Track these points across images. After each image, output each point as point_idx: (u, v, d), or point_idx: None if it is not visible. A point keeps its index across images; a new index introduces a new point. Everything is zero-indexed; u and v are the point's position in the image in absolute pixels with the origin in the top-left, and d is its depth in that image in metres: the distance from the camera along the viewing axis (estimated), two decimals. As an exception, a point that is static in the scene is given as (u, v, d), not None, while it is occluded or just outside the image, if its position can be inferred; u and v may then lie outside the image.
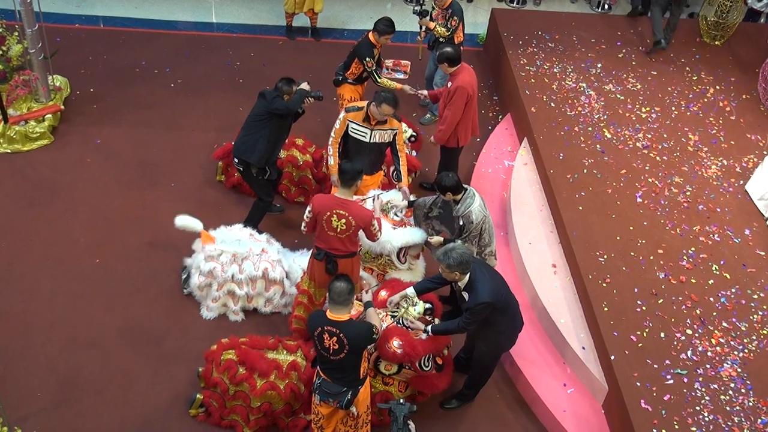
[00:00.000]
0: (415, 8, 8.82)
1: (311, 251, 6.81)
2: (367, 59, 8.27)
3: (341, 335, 5.51)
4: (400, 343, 6.05)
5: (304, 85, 7.56)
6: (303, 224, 6.62)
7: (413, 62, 9.10)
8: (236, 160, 7.63)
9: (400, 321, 6.21)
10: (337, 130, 7.45)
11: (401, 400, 5.48)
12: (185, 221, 7.28)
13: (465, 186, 6.76)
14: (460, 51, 8.02)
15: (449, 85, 7.91)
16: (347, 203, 6.45)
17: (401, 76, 8.79)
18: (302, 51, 10.83)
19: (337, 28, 11.38)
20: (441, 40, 8.93)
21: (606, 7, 12.34)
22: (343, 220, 6.42)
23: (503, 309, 6.10)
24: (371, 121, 7.33)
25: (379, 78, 8.33)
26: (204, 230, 7.25)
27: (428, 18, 8.91)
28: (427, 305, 6.33)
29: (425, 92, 8.47)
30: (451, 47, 7.95)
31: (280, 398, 6.33)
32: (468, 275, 5.96)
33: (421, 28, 9.11)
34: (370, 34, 8.31)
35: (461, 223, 6.73)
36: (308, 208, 6.52)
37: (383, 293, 6.48)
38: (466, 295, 6.05)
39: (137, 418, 6.47)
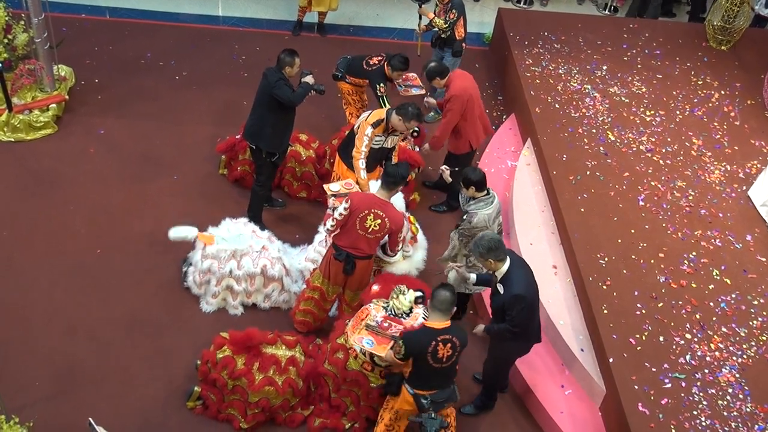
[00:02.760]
0: None
1: (327, 249, 6.82)
2: (381, 85, 8.27)
3: (454, 339, 5.64)
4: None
5: (309, 78, 7.55)
6: (332, 221, 6.56)
7: (412, 59, 9.07)
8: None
9: (392, 311, 6.21)
10: (367, 145, 7.39)
11: (433, 414, 5.46)
12: (178, 233, 7.17)
13: (489, 189, 6.80)
14: (446, 66, 7.99)
15: (445, 97, 7.96)
16: (386, 204, 6.51)
17: (418, 92, 8.70)
18: (308, 46, 10.81)
19: (343, 24, 11.37)
20: (442, 35, 8.96)
21: (612, 9, 12.33)
22: (379, 221, 6.46)
23: (530, 313, 6.09)
24: (389, 129, 7.39)
25: (385, 104, 8.20)
26: (200, 233, 7.20)
27: (431, 11, 8.95)
28: (418, 293, 6.31)
29: (433, 101, 8.42)
30: (434, 61, 7.99)
31: (278, 393, 6.33)
32: (506, 265, 6.01)
33: (420, 17, 9.12)
34: (385, 65, 8.30)
35: (464, 217, 6.83)
36: (344, 205, 6.48)
37: (375, 287, 6.50)
38: (501, 288, 6.04)
39: (135, 410, 6.47)
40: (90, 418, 5.26)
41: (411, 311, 6.26)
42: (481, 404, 6.79)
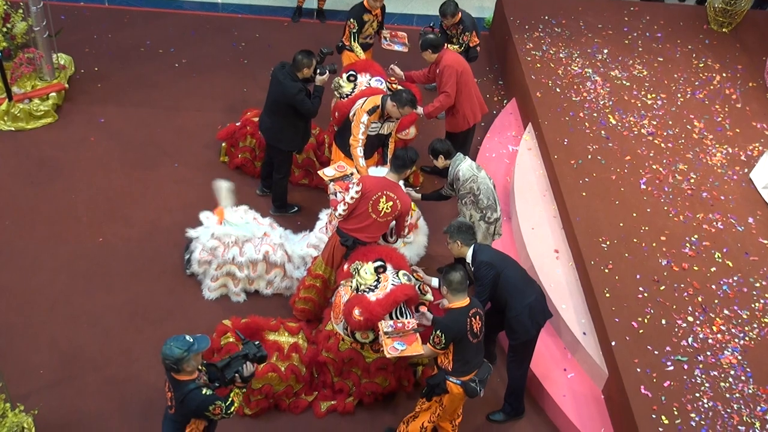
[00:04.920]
0: (425, 31, 8.59)
1: (330, 236, 6.82)
2: (351, 20, 8.43)
3: (479, 310, 5.79)
4: (360, 311, 6.07)
5: (325, 77, 7.56)
6: (343, 206, 6.54)
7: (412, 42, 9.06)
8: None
9: (359, 288, 6.22)
10: (364, 133, 7.40)
11: (257, 343, 5.28)
12: (222, 189, 7.25)
13: (455, 152, 7.01)
14: (443, 41, 8.00)
15: (438, 72, 7.92)
16: (396, 186, 6.55)
17: (401, 48, 8.83)
18: (307, 32, 10.80)
19: (342, 9, 11.31)
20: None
21: (613, -8, 12.26)
22: (391, 203, 6.48)
23: (512, 286, 6.15)
24: (384, 115, 7.41)
25: (353, 41, 8.42)
26: (222, 209, 7.24)
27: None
28: (377, 263, 6.30)
29: (401, 73, 8.28)
30: (432, 34, 7.95)
31: (281, 380, 6.35)
32: (472, 248, 6.20)
33: None
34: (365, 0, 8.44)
35: (454, 185, 6.98)
36: (355, 189, 6.47)
37: (346, 267, 6.49)
38: (473, 269, 6.17)
39: (138, 396, 6.49)
40: None
41: (378, 282, 6.23)
42: (510, 409, 6.71)
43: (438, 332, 5.68)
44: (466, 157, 7.01)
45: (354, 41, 8.48)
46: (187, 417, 4.98)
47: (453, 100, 7.96)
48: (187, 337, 4.87)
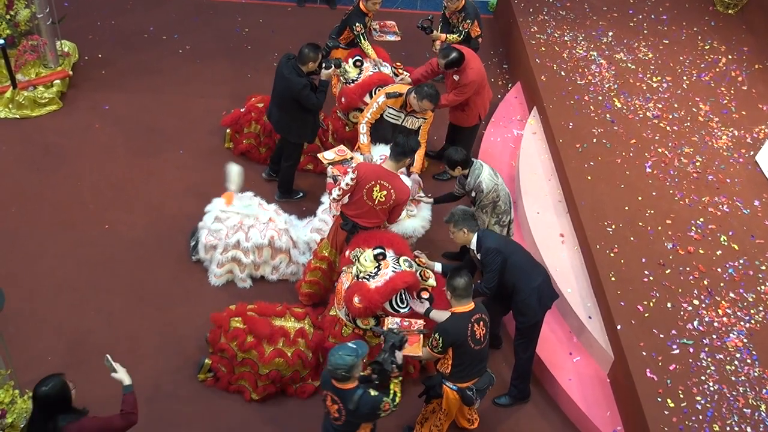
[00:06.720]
0: (423, 24, 8.52)
1: (334, 218, 6.83)
2: (357, 24, 8.33)
3: (483, 316, 5.67)
4: (360, 298, 6.06)
5: (330, 72, 7.56)
6: (338, 191, 6.51)
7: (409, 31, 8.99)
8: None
9: (359, 275, 6.22)
10: (374, 113, 7.49)
11: (395, 329, 5.43)
12: (232, 172, 7.29)
13: (472, 159, 6.84)
14: (462, 54, 7.72)
15: (456, 78, 7.83)
16: (392, 176, 6.50)
17: (393, 38, 8.78)
18: (311, 18, 10.76)
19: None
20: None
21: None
22: (385, 192, 6.44)
23: (519, 270, 6.15)
24: (407, 108, 7.40)
25: (363, 41, 8.35)
26: (231, 192, 7.28)
27: (439, 31, 8.80)
28: (376, 251, 6.28)
29: (409, 78, 8.29)
30: (455, 52, 7.68)
31: (288, 365, 6.37)
32: (476, 234, 6.19)
33: (433, 41, 8.93)
34: (361, 2, 8.35)
35: (473, 194, 6.82)
36: (351, 176, 6.45)
37: (347, 253, 6.48)
38: (479, 256, 6.16)
39: (145, 382, 6.51)
40: (107, 355, 5.39)
41: (378, 269, 6.20)
42: (516, 393, 6.71)
43: (436, 335, 5.60)
44: (483, 163, 6.83)
45: (364, 40, 8.37)
46: (357, 425, 5.11)
47: (458, 103, 7.95)
48: (350, 344, 5.01)
